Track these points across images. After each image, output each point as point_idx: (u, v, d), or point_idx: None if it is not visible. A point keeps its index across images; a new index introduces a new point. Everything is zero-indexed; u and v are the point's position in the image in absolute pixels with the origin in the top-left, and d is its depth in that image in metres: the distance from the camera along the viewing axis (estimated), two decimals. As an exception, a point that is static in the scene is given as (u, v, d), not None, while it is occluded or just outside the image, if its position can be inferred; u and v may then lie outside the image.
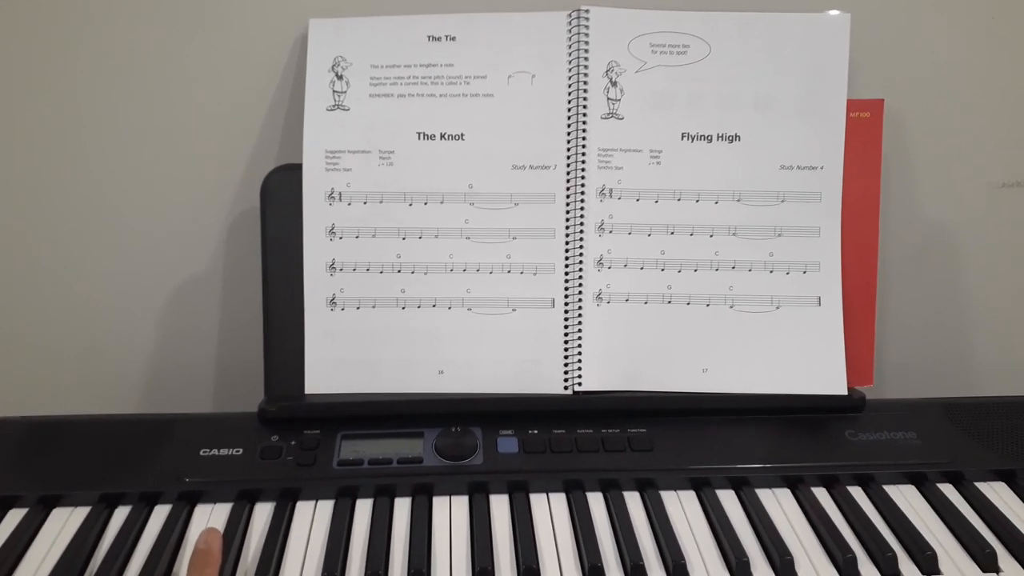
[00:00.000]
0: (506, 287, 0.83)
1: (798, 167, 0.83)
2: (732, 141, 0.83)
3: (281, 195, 0.83)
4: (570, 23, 0.83)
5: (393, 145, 0.83)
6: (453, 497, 0.75)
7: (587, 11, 0.82)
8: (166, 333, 0.94)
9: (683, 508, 0.74)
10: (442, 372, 0.82)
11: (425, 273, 0.83)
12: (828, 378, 0.81)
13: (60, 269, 0.91)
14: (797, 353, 0.82)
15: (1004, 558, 0.69)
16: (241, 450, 0.77)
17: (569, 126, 0.83)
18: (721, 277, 0.83)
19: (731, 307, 0.82)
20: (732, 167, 0.83)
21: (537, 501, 0.74)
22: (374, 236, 0.83)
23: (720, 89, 0.83)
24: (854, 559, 0.67)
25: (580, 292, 0.83)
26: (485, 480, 0.75)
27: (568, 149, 0.83)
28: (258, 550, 0.69)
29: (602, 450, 0.77)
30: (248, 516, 0.73)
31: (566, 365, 0.82)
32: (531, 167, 0.83)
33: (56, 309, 0.92)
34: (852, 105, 0.83)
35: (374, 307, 0.83)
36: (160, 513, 0.74)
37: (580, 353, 0.82)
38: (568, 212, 0.83)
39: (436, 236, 0.83)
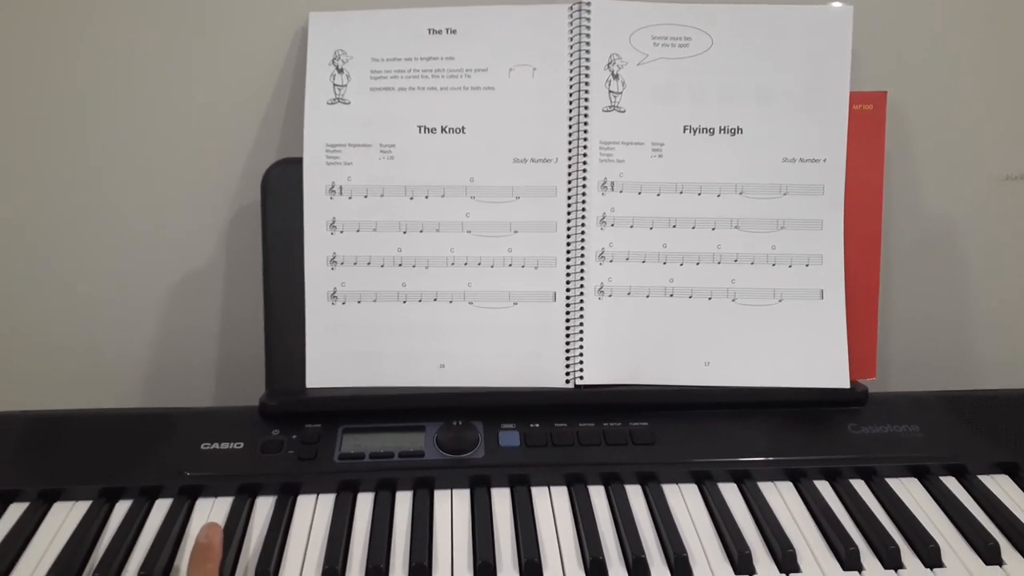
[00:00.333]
0: (507, 281, 0.82)
1: (800, 160, 0.82)
2: (734, 134, 0.83)
3: (282, 189, 0.83)
4: (571, 16, 0.83)
5: (394, 138, 0.83)
6: (454, 491, 0.75)
7: (588, 4, 0.82)
8: (167, 327, 0.94)
9: (685, 501, 0.74)
10: (443, 366, 0.82)
11: (426, 267, 0.82)
12: (830, 371, 0.81)
13: (61, 264, 0.91)
14: (799, 346, 0.81)
15: (1007, 551, 0.69)
16: (242, 444, 0.77)
17: (571, 119, 0.83)
18: (723, 270, 0.82)
19: (733, 300, 0.82)
20: (734, 160, 0.82)
21: (539, 495, 0.74)
22: (375, 230, 0.83)
23: (722, 82, 0.82)
24: (857, 552, 0.67)
25: (582, 286, 0.82)
26: (487, 474, 0.75)
27: (570, 142, 0.83)
28: (259, 544, 0.69)
29: (604, 444, 0.77)
30: (249, 510, 0.73)
31: (567, 359, 0.82)
32: (532, 160, 0.83)
33: (57, 304, 0.92)
34: (855, 97, 0.82)
35: (375, 301, 0.82)
36: (161, 507, 0.74)
37: (581, 347, 0.82)
38: (570, 205, 0.83)
39: (437, 230, 0.83)
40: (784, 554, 0.67)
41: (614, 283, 0.82)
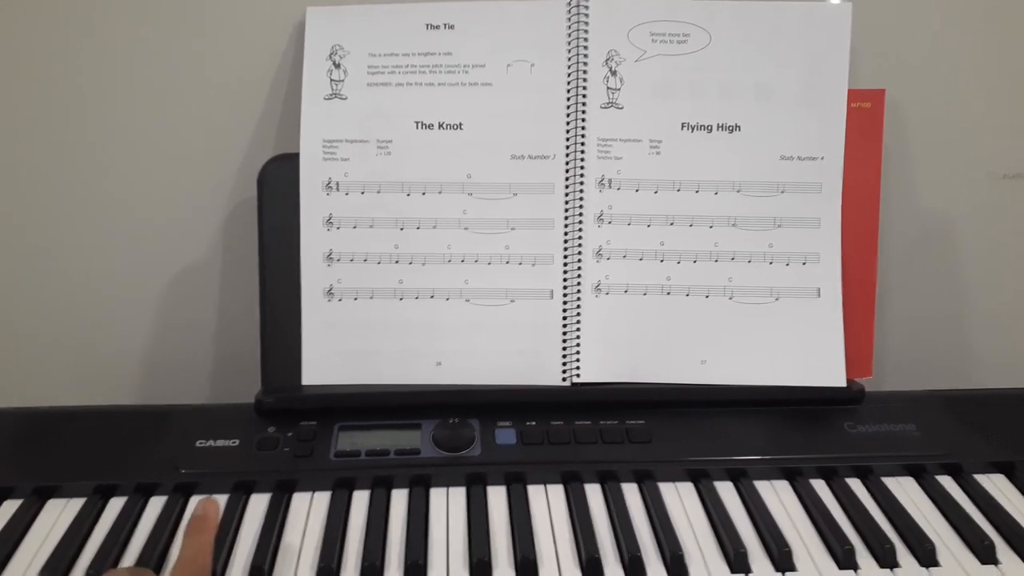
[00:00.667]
0: (505, 278, 0.82)
1: (798, 157, 0.82)
2: (732, 131, 0.82)
3: (278, 185, 0.82)
4: (569, 11, 0.83)
5: (391, 134, 0.83)
6: (451, 488, 0.75)
7: (586, -1, 0.82)
8: (163, 324, 0.93)
9: (681, 500, 0.74)
10: (440, 363, 0.82)
11: (423, 264, 0.82)
12: (827, 370, 0.81)
13: (56, 261, 0.91)
14: (796, 345, 0.81)
15: (1003, 550, 0.69)
16: (237, 441, 0.77)
17: (568, 115, 0.82)
18: (720, 268, 0.82)
19: (730, 298, 0.82)
20: (732, 157, 0.82)
21: (535, 493, 0.74)
22: (372, 226, 0.82)
23: (720, 79, 0.82)
24: (852, 551, 0.67)
25: (579, 283, 0.82)
26: (483, 472, 0.75)
27: (567, 139, 0.82)
28: (254, 541, 0.69)
29: (600, 442, 0.77)
30: (244, 507, 0.73)
31: (564, 357, 0.82)
32: (530, 157, 0.82)
33: (52, 300, 0.92)
34: (853, 95, 0.82)
35: (372, 298, 0.82)
36: (155, 504, 0.73)
37: (579, 344, 0.82)
38: (567, 202, 0.82)
39: (434, 226, 0.82)
40: (780, 553, 0.67)
41: (611, 281, 0.82)
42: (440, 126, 0.83)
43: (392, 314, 0.82)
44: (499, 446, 0.77)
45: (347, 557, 0.68)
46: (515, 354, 0.82)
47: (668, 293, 0.82)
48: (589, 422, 0.79)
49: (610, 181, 0.82)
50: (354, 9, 0.83)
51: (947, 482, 0.76)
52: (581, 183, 0.82)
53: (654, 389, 0.81)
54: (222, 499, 0.73)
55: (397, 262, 0.82)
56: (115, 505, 0.73)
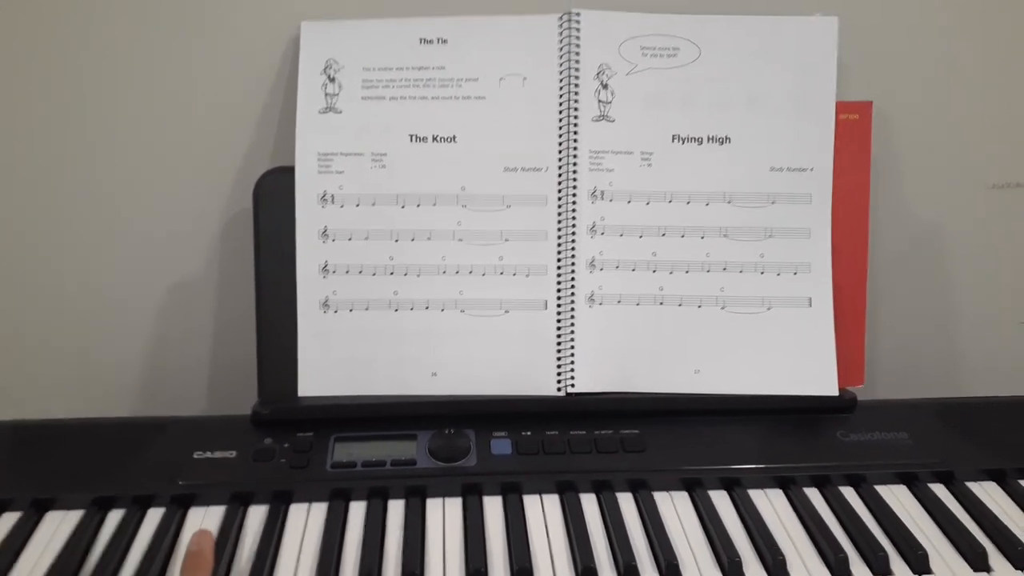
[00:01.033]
0: (499, 289, 0.83)
1: (788, 169, 0.83)
2: (722, 143, 0.83)
3: (274, 197, 0.83)
4: (561, 26, 0.83)
5: (385, 147, 0.83)
6: (447, 499, 0.75)
7: (578, 14, 0.83)
8: (159, 335, 0.93)
9: (676, 508, 0.74)
10: (435, 374, 0.82)
11: (418, 275, 0.83)
12: (819, 379, 0.82)
13: (52, 271, 0.91)
14: (788, 354, 0.82)
15: (995, 557, 0.69)
16: (234, 452, 0.77)
17: (560, 128, 0.83)
18: (712, 278, 0.83)
19: (722, 308, 0.83)
20: (723, 169, 0.83)
21: (530, 502, 0.74)
22: (367, 238, 0.83)
23: (710, 91, 0.83)
24: (846, 559, 0.68)
25: (572, 294, 0.83)
26: (478, 482, 0.75)
27: (560, 151, 0.83)
28: (252, 553, 0.69)
29: (595, 451, 0.78)
30: (241, 519, 0.73)
31: (559, 366, 0.82)
32: (523, 169, 0.83)
33: (49, 311, 0.92)
34: (841, 107, 0.83)
35: (367, 309, 0.83)
36: (153, 516, 0.73)
37: (573, 354, 0.82)
38: (560, 214, 0.83)
39: (429, 238, 0.83)
40: (774, 561, 0.67)
41: (605, 291, 0.83)
42: (434, 139, 0.83)
43: (387, 325, 0.83)
44: (495, 456, 0.77)
45: (344, 568, 0.68)
46: (510, 364, 0.82)
47: (661, 303, 0.83)
48: (584, 432, 0.79)
49: (602, 193, 0.83)
50: (349, 24, 0.84)
51: (939, 490, 0.76)
52: (574, 195, 0.83)
53: (648, 398, 0.82)
54: (219, 511, 0.74)
55: (392, 273, 0.83)
56: (113, 517, 0.73)
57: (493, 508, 0.74)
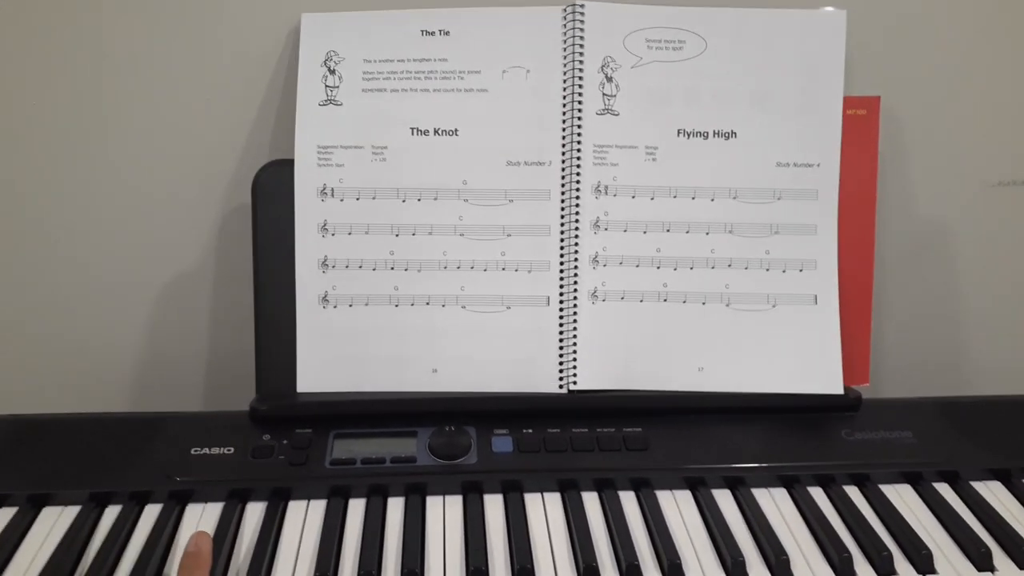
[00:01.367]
0: (501, 284, 0.82)
1: (794, 164, 0.82)
2: (728, 138, 0.82)
3: (273, 191, 0.82)
4: (565, 18, 0.82)
5: (386, 140, 0.82)
6: (447, 497, 0.74)
7: (582, 6, 0.82)
8: (157, 330, 0.93)
9: (679, 508, 0.74)
10: (436, 370, 0.82)
11: (419, 270, 0.82)
12: (824, 377, 0.81)
13: (49, 266, 0.90)
14: (793, 352, 0.81)
15: (999, 557, 0.69)
16: (232, 449, 0.77)
17: (564, 122, 0.82)
18: (717, 275, 0.82)
19: (727, 305, 0.82)
20: (728, 164, 0.82)
21: (532, 501, 0.74)
22: (367, 232, 0.82)
23: (716, 85, 0.82)
24: (850, 558, 0.67)
25: (575, 290, 0.82)
26: (479, 479, 0.75)
27: (563, 145, 0.82)
28: (250, 550, 0.69)
29: (597, 449, 0.77)
30: (240, 516, 0.73)
31: (561, 363, 0.82)
32: (526, 163, 0.82)
33: (46, 307, 0.92)
34: (848, 102, 0.82)
35: (367, 305, 0.82)
36: (151, 512, 0.73)
37: (575, 351, 0.82)
38: (563, 209, 0.82)
39: (430, 233, 0.82)
40: (778, 560, 0.67)
41: (608, 287, 0.82)
42: (435, 132, 0.83)
43: (388, 320, 0.82)
44: (495, 454, 0.77)
45: (343, 566, 0.68)
46: (511, 361, 0.82)
47: (665, 300, 0.82)
48: (586, 429, 0.78)
49: (606, 188, 0.82)
50: (349, 15, 0.83)
51: (944, 489, 0.76)
52: (577, 189, 0.82)
53: (651, 396, 0.81)
54: (217, 507, 0.73)
55: (392, 268, 0.82)
56: (110, 513, 0.73)
57: (494, 506, 0.73)
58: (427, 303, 0.82)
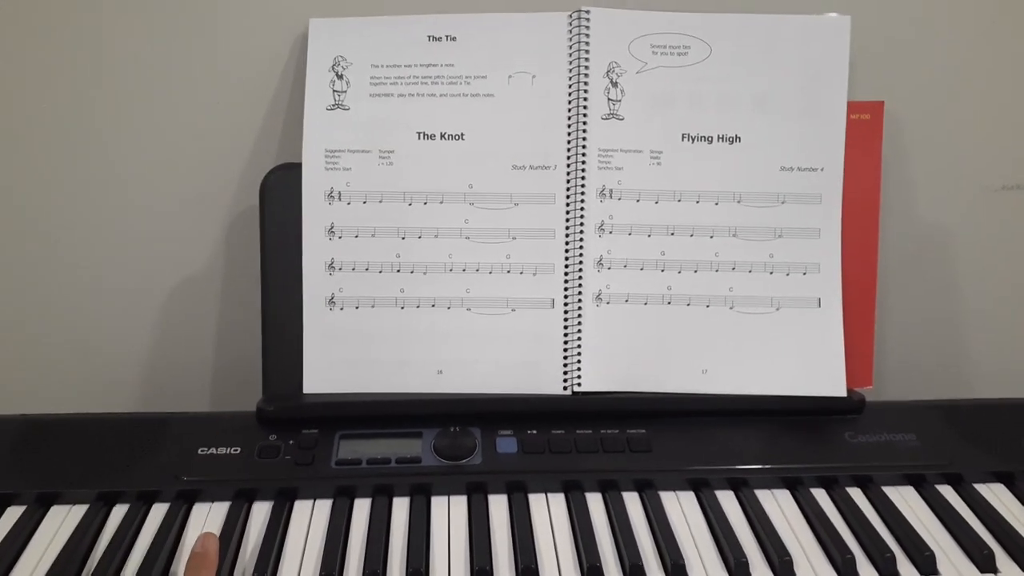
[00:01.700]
0: (506, 287, 0.82)
1: (798, 169, 0.83)
2: (732, 142, 0.83)
3: (280, 194, 0.83)
4: (571, 23, 0.83)
5: (393, 145, 0.83)
6: (452, 497, 0.75)
7: (588, 12, 0.83)
8: (164, 332, 0.93)
9: (682, 509, 0.74)
10: (441, 372, 0.82)
11: (424, 273, 0.83)
12: (827, 380, 0.81)
13: (59, 268, 0.91)
14: (797, 354, 0.82)
15: (1002, 559, 0.69)
16: (239, 449, 0.77)
17: (569, 126, 0.83)
18: (721, 278, 0.82)
19: (731, 308, 0.82)
20: (732, 168, 0.83)
21: (536, 501, 0.74)
22: (373, 236, 0.83)
23: (721, 90, 0.83)
24: (853, 560, 0.67)
25: (580, 292, 0.83)
26: (484, 480, 0.75)
27: (568, 149, 0.83)
28: (256, 549, 0.69)
29: (601, 451, 0.77)
30: (246, 515, 0.73)
31: (565, 365, 0.82)
32: (531, 167, 0.83)
33: (54, 307, 0.92)
34: (852, 107, 0.83)
35: (373, 307, 0.83)
36: (158, 512, 0.73)
37: (579, 354, 0.82)
38: (568, 212, 0.83)
39: (436, 236, 0.83)
40: (781, 562, 0.67)
41: (612, 290, 0.82)
42: (442, 136, 0.83)
43: (393, 323, 0.82)
44: (500, 455, 0.77)
45: (348, 565, 0.68)
46: (516, 363, 0.82)
47: (669, 303, 0.83)
48: (590, 431, 0.79)
49: (611, 191, 0.83)
50: (357, 21, 0.84)
51: (947, 492, 0.76)
52: (582, 193, 0.83)
53: (655, 398, 0.81)
54: (223, 507, 0.74)
55: (399, 271, 0.83)
56: (117, 512, 0.73)
57: (498, 507, 0.74)
58: (432, 305, 0.82)
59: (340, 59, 0.83)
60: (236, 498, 0.74)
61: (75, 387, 0.94)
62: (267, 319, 0.82)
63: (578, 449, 0.77)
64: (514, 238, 0.83)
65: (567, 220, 0.83)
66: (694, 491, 0.76)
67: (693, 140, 0.83)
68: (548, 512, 0.73)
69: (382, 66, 0.84)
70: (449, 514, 0.73)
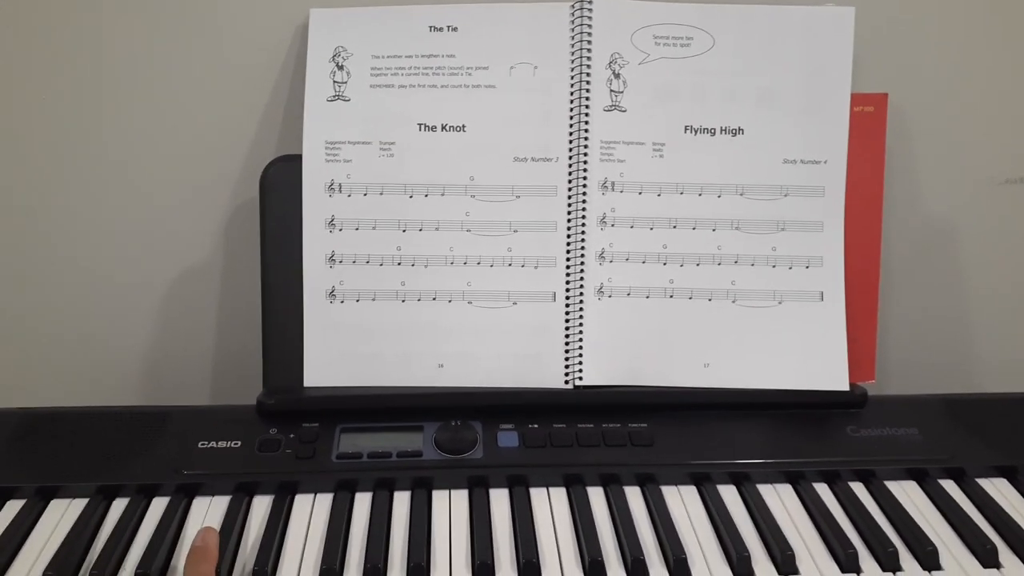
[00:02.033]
0: (507, 280, 0.82)
1: (801, 161, 0.82)
2: (735, 134, 0.82)
3: (281, 186, 0.82)
4: (573, 14, 0.83)
5: (394, 136, 0.83)
6: (453, 491, 0.75)
7: (590, 2, 0.82)
8: (165, 325, 0.93)
9: (684, 503, 0.74)
10: (442, 365, 0.82)
11: (425, 266, 0.82)
12: (830, 373, 0.81)
13: (58, 261, 0.91)
14: (799, 348, 0.81)
15: (1005, 553, 0.69)
16: (239, 443, 0.77)
17: (571, 118, 0.82)
18: (723, 271, 0.82)
19: (733, 302, 0.82)
20: (735, 161, 0.82)
21: (537, 495, 0.74)
22: (374, 228, 0.82)
23: (723, 82, 0.82)
24: (855, 554, 0.67)
25: (581, 286, 0.82)
26: (485, 474, 0.75)
27: (570, 141, 0.82)
28: (256, 543, 0.69)
29: (603, 445, 0.77)
30: (246, 509, 0.73)
31: (567, 359, 0.82)
32: (533, 159, 0.82)
33: (54, 301, 0.92)
34: (856, 99, 0.82)
35: (374, 300, 0.82)
36: (158, 505, 0.73)
37: (581, 347, 0.82)
38: (570, 205, 0.82)
39: (437, 228, 0.82)
40: (783, 556, 0.67)
41: (614, 283, 0.82)
42: (443, 128, 0.83)
43: (394, 316, 0.82)
44: (501, 448, 0.77)
45: (350, 559, 0.68)
46: (517, 356, 0.82)
47: (671, 296, 0.82)
48: (591, 425, 0.78)
49: (613, 184, 0.82)
50: (357, 11, 0.83)
51: (949, 486, 0.76)
52: (584, 186, 0.82)
53: (657, 392, 0.81)
54: (224, 501, 0.73)
55: (399, 264, 0.82)
56: (118, 506, 0.73)
57: (500, 501, 0.73)
58: (433, 298, 0.82)
59: (341, 50, 0.83)
60: (236, 492, 0.74)
61: (75, 380, 0.94)
62: (267, 312, 0.82)
63: (579, 443, 0.77)
64: (515, 231, 0.82)
65: (569, 213, 0.82)
66: (696, 485, 0.75)
67: (696, 132, 0.82)
68: (550, 506, 0.73)
69: (383, 57, 0.83)
70: (450, 508, 0.73)
